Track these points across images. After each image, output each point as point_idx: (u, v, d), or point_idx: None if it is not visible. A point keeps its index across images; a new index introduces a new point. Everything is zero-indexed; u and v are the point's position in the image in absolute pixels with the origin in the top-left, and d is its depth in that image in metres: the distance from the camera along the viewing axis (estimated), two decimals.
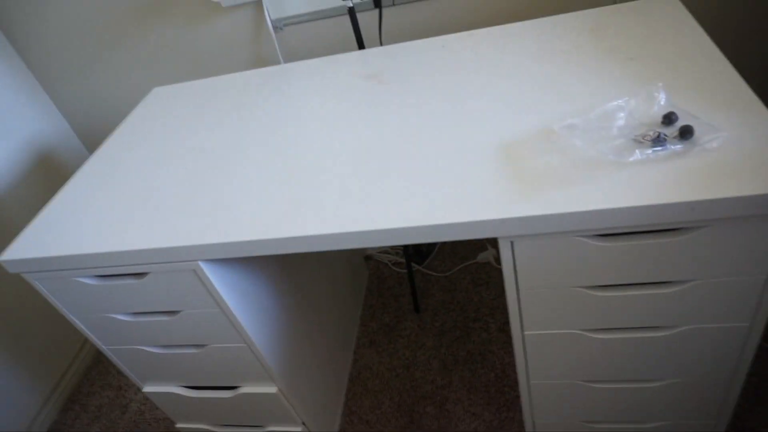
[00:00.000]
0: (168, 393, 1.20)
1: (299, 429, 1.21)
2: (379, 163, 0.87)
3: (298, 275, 1.24)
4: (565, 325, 0.86)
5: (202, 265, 0.87)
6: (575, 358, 0.92)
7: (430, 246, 1.85)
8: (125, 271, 0.91)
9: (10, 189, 1.58)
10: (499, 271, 1.70)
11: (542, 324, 0.87)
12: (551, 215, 0.70)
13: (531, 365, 0.95)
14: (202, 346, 1.05)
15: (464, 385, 1.42)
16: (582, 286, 0.80)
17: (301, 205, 0.84)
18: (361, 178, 0.85)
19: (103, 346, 1.11)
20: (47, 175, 1.70)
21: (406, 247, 1.59)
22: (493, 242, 1.78)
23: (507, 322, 1.54)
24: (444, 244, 1.84)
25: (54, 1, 1.45)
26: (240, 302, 0.97)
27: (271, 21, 1.41)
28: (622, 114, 0.82)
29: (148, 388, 1.21)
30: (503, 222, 0.71)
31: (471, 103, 0.95)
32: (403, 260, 1.84)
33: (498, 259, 1.73)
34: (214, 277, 0.90)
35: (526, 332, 0.89)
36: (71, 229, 0.96)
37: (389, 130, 0.94)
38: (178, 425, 1.31)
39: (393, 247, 1.86)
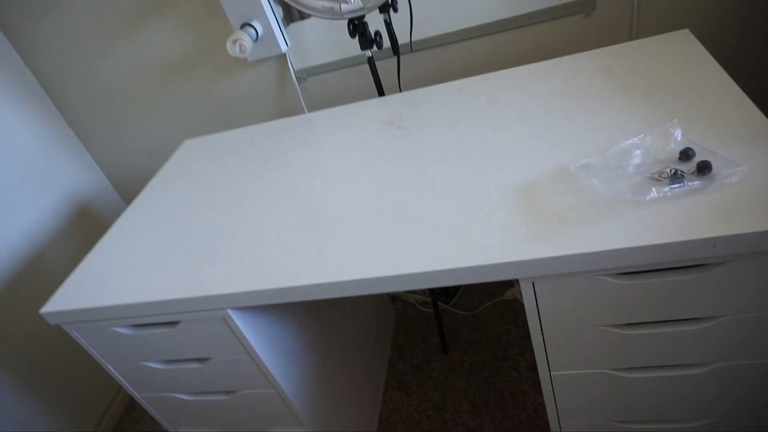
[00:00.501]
0: None
1: None
2: (401, 208, 0.89)
3: (326, 319, 1.26)
4: (593, 365, 0.85)
5: (230, 312, 0.89)
6: (606, 399, 0.90)
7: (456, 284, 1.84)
8: (158, 320, 0.94)
9: (51, 241, 1.66)
10: None
11: (570, 364, 0.86)
12: (570, 255, 0.70)
13: (561, 407, 0.94)
14: (232, 392, 1.07)
15: (496, 427, 1.39)
16: (607, 324, 0.80)
17: (326, 252, 0.86)
18: (383, 223, 0.88)
19: (137, 394, 1.14)
20: (86, 226, 1.78)
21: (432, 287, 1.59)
22: None
23: None
24: None
25: (93, 62, 1.55)
26: (268, 348, 0.99)
27: (295, 72, 1.47)
28: (638, 152, 0.82)
29: None
30: (523, 264, 0.72)
31: (488, 145, 0.97)
32: (430, 300, 1.84)
33: None
34: (243, 324, 0.92)
35: (553, 373, 0.88)
36: (108, 280, 1.00)
37: (410, 175, 0.97)
38: None
39: None
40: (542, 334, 0.83)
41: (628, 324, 0.79)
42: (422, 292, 1.87)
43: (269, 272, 0.86)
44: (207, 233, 1.02)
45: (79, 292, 1.00)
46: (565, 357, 0.85)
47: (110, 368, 1.08)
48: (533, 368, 1.50)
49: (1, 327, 1.50)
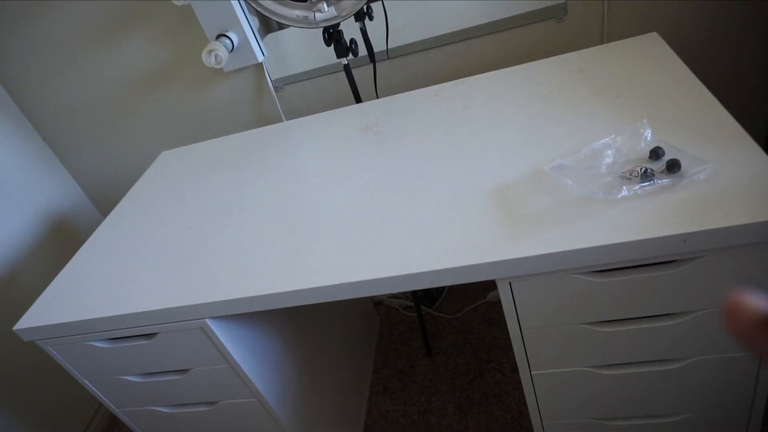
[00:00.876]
0: None
1: None
2: (378, 213, 0.90)
3: (307, 326, 1.25)
4: (572, 363, 0.86)
5: (209, 322, 0.89)
6: (586, 396, 0.91)
7: (440, 288, 1.85)
8: (135, 332, 0.93)
9: (27, 256, 1.63)
10: None
11: (549, 363, 0.87)
12: (545, 255, 0.71)
13: (542, 406, 0.94)
14: (214, 403, 1.05)
15: (481, 428, 1.39)
16: (584, 322, 0.81)
17: (304, 258, 0.86)
18: (361, 228, 0.88)
19: (116, 409, 1.12)
20: (63, 240, 1.75)
21: (415, 291, 1.60)
22: None
23: None
24: (453, 285, 1.85)
25: (66, 76, 1.53)
26: (249, 357, 0.98)
27: (272, 82, 1.47)
28: (610, 151, 0.84)
29: None
30: (499, 264, 0.73)
31: (464, 149, 0.98)
32: (413, 304, 1.84)
33: None
34: (222, 333, 0.92)
35: (533, 372, 0.89)
36: (83, 294, 0.98)
37: (387, 180, 0.97)
38: None
39: (402, 292, 1.87)
40: (521, 333, 0.84)
41: (605, 321, 0.81)
42: (405, 296, 1.87)
43: (248, 280, 0.86)
44: (184, 243, 1.01)
45: (53, 307, 0.98)
46: (544, 356, 0.86)
47: (87, 383, 1.07)
48: (517, 369, 1.51)
49: None
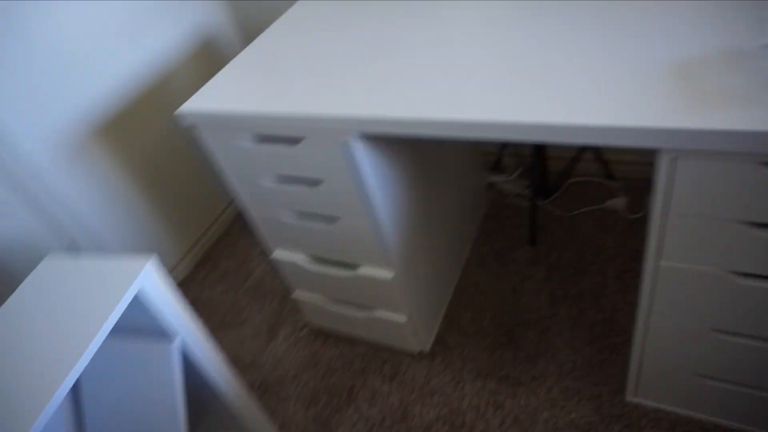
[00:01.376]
0: (292, 263, 1.31)
1: (404, 319, 1.28)
2: (543, 66, 0.85)
3: (428, 176, 1.27)
4: (710, 262, 0.81)
5: (352, 137, 0.91)
6: (711, 301, 0.87)
7: (558, 183, 1.79)
8: (283, 133, 0.98)
9: (179, 66, 1.75)
10: (628, 221, 1.62)
11: (684, 257, 0.82)
12: (729, 131, 0.64)
13: (657, 301, 0.92)
14: (334, 220, 1.12)
15: (570, 319, 1.40)
16: (744, 221, 0.74)
17: (454, 95, 0.84)
18: (522, 76, 0.84)
19: (247, 207, 1.23)
20: (211, 59, 1.85)
21: (533, 179, 1.56)
22: (626, 190, 1.69)
23: (626, 271, 1.48)
24: (572, 184, 1.78)
25: None
26: (377, 182, 1.02)
27: None
28: None
29: (276, 255, 1.32)
30: (671, 132, 0.67)
31: (648, 18, 0.88)
32: (524, 193, 1.80)
33: (630, 208, 1.64)
34: (360, 151, 0.95)
35: (662, 262, 0.85)
36: (237, 95, 1.04)
37: (555, 39, 0.91)
38: (295, 293, 1.43)
39: (520, 177, 1.83)
40: (665, 217, 0.79)
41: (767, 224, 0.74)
42: (520, 185, 1.83)
43: (401, 104, 0.86)
44: (336, 63, 1.03)
45: (210, 101, 1.05)
46: (681, 247, 0.81)
47: (227, 175, 1.16)
48: (620, 277, 1.47)
49: (134, 136, 1.64)
